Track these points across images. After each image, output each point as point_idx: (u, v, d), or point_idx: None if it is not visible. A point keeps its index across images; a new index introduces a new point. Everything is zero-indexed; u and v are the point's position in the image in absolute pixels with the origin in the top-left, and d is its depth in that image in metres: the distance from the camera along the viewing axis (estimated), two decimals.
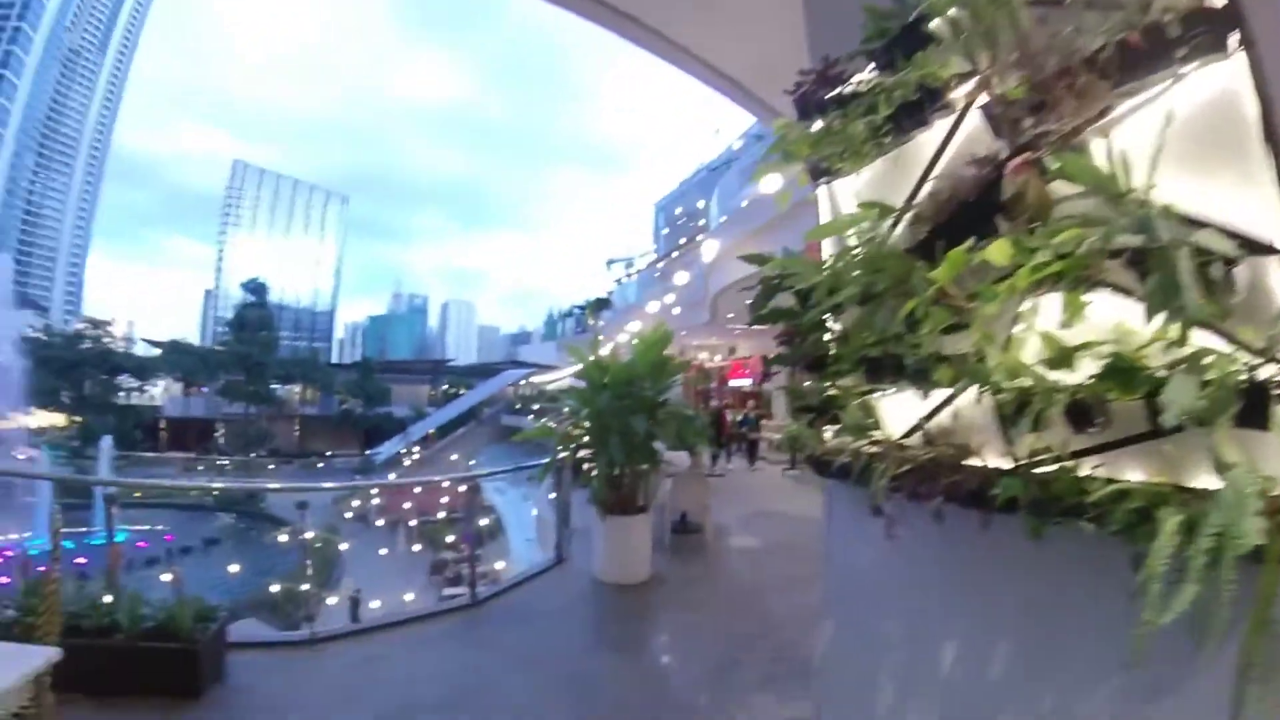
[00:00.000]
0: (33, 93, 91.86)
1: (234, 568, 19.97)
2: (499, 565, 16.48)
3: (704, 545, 6.55)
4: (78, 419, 35.83)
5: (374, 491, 29.35)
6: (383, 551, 24.22)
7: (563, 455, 5.91)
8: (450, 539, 23.77)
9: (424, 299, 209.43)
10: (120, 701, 3.15)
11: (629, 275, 32.75)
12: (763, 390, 20.85)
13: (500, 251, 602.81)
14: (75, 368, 37.27)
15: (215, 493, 29.88)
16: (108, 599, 3.41)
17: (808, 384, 2.57)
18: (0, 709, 1.96)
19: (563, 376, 35.23)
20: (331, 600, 16.92)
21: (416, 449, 37.22)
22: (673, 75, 5.41)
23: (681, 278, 12.93)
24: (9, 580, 2.99)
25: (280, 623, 14.80)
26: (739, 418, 13.51)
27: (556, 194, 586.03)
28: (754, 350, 21.83)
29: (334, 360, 66.88)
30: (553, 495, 7.26)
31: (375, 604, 17.08)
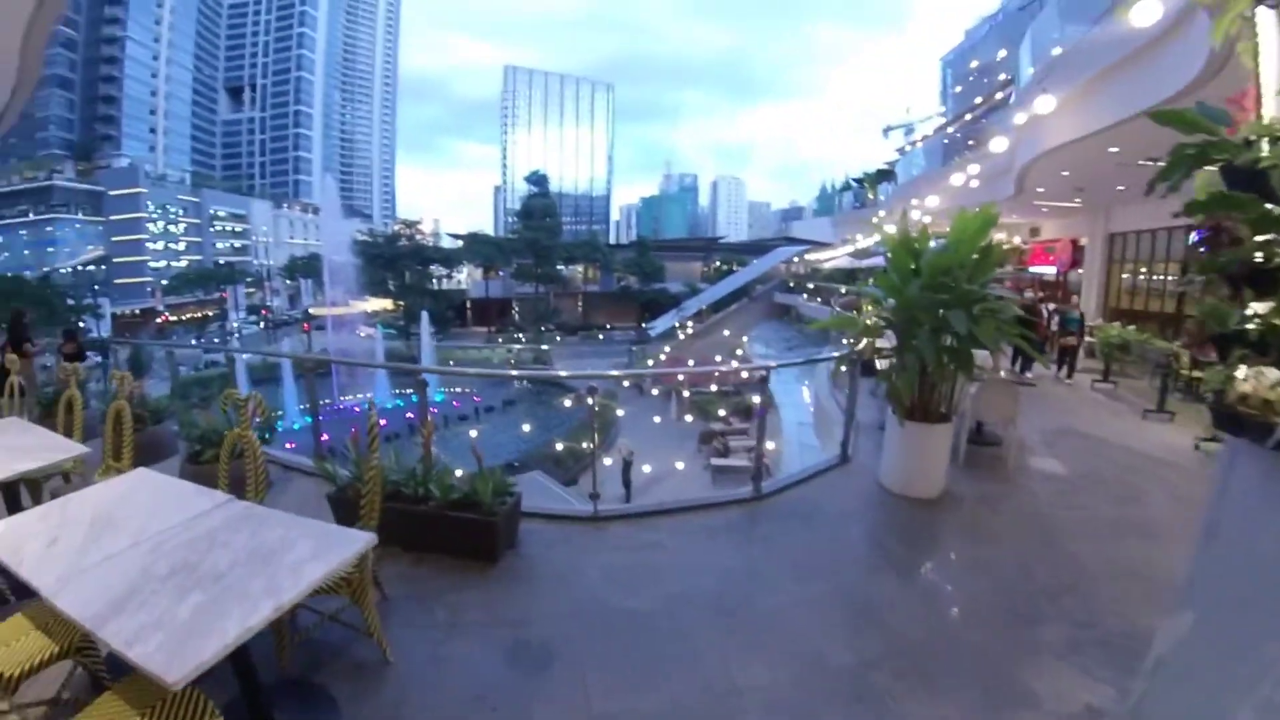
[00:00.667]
0: (329, 39, 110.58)
1: (526, 426, 23.60)
2: (770, 445, 16.98)
3: (1003, 462, 5.79)
4: (401, 303, 44.79)
5: (649, 363, 31.83)
6: (656, 419, 26.29)
7: (859, 348, 5.43)
8: (721, 412, 25.02)
9: (694, 178, 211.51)
10: (430, 557, 3.76)
11: (911, 144, 29.00)
12: (1068, 279, 17.56)
13: (767, 124, 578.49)
14: (396, 261, 45.59)
15: (512, 361, 35.48)
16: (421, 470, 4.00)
17: (1228, 304, 1.80)
18: (336, 574, 2.71)
19: (839, 255, 33.37)
20: (607, 461, 19.06)
21: (690, 323, 38.95)
22: None
23: (999, 144, 10.82)
24: (355, 430, 3.79)
25: (561, 475, 17.17)
26: (1057, 313, 11.23)
27: (824, 58, 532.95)
28: (1060, 232, 18.21)
29: (611, 241, 72.20)
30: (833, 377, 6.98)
31: (646, 467, 18.90)
